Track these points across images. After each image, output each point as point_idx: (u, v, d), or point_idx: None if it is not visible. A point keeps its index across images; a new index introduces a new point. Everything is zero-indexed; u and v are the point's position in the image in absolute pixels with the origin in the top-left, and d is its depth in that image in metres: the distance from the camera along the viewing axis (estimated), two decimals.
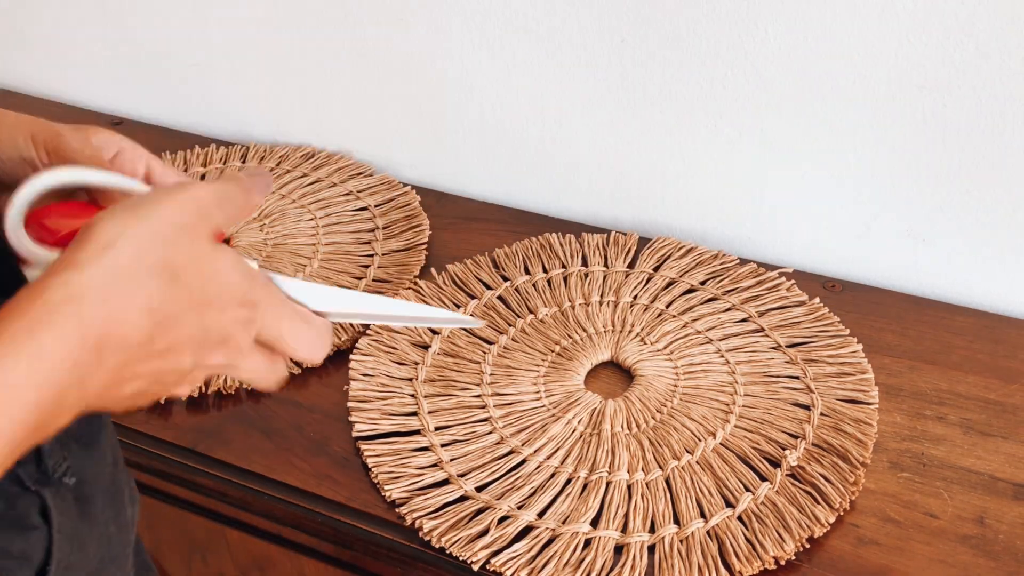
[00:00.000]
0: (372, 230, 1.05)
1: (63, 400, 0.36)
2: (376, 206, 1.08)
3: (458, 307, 0.93)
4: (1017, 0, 0.80)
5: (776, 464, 0.76)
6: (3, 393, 0.34)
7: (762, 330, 0.89)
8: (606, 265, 0.98)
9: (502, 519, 0.72)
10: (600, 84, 1.01)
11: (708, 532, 0.71)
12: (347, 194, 1.10)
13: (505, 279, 0.96)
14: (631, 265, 0.98)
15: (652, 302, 0.93)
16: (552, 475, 0.76)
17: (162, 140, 1.23)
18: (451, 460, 0.77)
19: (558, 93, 1.03)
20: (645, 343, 0.88)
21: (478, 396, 0.83)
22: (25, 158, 0.50)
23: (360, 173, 1.14)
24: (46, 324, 0.36)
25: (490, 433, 0.80)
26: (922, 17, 0.84)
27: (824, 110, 0.92)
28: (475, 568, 0.69)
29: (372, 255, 1.01)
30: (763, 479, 0.75)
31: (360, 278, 0.98)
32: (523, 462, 0.77)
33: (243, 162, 1.18)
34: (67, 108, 1.32)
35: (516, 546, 0.70)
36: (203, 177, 1.15)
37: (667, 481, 0.75)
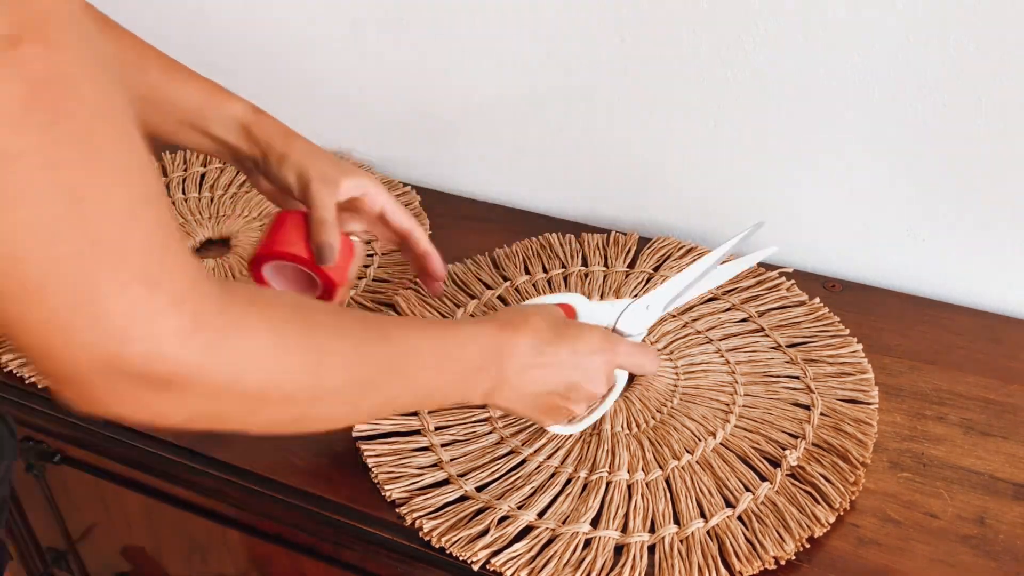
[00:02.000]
0: None
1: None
2: None
3: (459, 307, 0.93)
4: (1017, 0, 0.80)
5: (776, 464, 0.76)
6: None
7: (762, 330, 0.89)
8: (606, 265, 0.98)
9: (502, 519, 0.72)
10: (600, 84, 1.01)
11: (708, 532, 0.71)
12: None
13: (505, 279, 0.96)
14: (631, 265, 0.98)
15: None
16: (552, 475, 0.76)
17: None
18: (451, 460, 0.77)
19: (558, 93, 1.03)
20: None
21: None
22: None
23: None
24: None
25: (490, 433, 0.80)
26: (922, 17, 0.84)
27: (824, 110, 0.92)
28: (475, 568, 0.69)
29: (372, 254, 1.01)
30: (763, 479, 0.75)
31: (361, 278, 0.98)
32: (523, 462, 0.77)
33: None
34: None
35: (516, 546, 0.70)
36: (203, 177, 1.15)
37: (667, 481, 0.75)
